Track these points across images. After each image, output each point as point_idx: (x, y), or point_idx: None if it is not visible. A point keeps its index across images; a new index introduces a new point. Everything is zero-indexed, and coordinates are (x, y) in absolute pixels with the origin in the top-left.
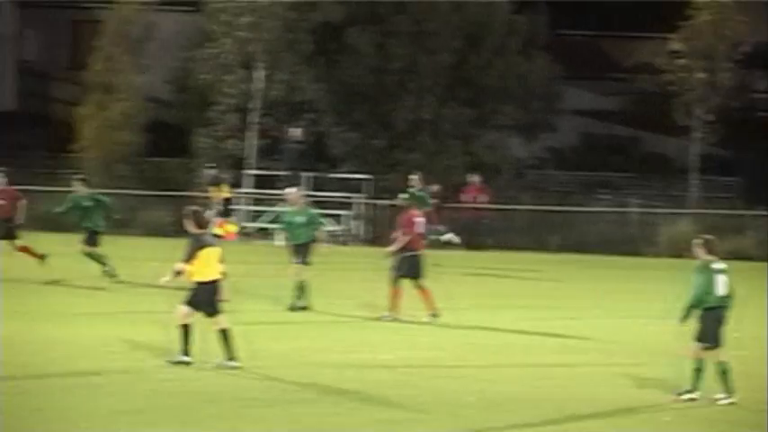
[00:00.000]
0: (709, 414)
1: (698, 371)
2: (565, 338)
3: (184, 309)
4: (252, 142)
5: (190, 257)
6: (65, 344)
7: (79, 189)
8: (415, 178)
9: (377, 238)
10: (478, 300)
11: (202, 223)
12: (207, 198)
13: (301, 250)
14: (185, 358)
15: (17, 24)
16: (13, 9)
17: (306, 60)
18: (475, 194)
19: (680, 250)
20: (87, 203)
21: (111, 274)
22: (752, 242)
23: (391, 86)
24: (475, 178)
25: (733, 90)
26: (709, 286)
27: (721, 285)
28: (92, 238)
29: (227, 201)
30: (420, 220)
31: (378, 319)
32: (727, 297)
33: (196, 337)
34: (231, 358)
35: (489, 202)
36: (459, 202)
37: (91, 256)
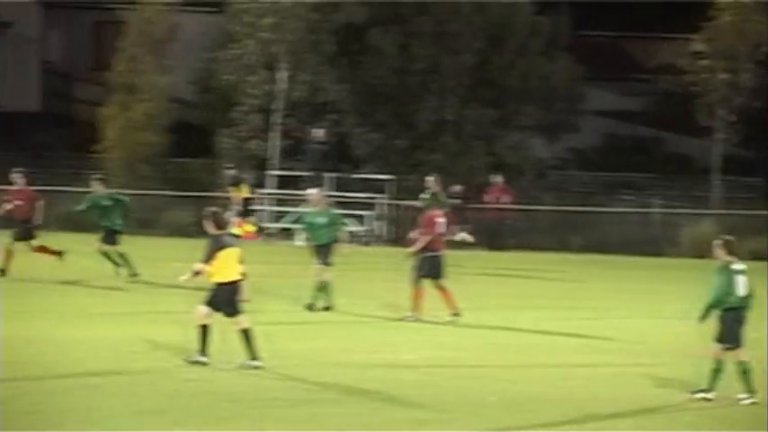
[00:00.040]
0: (730, 414)
1: (716, 371)
2: (587, 339)
3: (204, 309)
4: (275, 143)
5: (209, 258)
6: (87, 344)
7: (97, 188)
8: (431, 180)
9: (399, 238)
10: (501, 300)
11: (222, 224)
12: (228, 198)
13: (323, 251)
14: (202, 358)
15: (41, 25)
16: (37, 10)
17: (329, 61)
18: (498, 195)
19: (702, 251)
20: (106, 203)
21: (132, 273)
22: None
23: (414, 87)
24: (497, 179)
25: (755, 90)
26: (729, 287)
27: (741, 286)
28: (109, 237)
29: (247, 201)
30: (441, 220)
31: (400, 319)
32: (748, 297)
33: (218, 337)
34: (254, 358)
35: (512, 203)
36: (481, 202)
37: (106, 255)
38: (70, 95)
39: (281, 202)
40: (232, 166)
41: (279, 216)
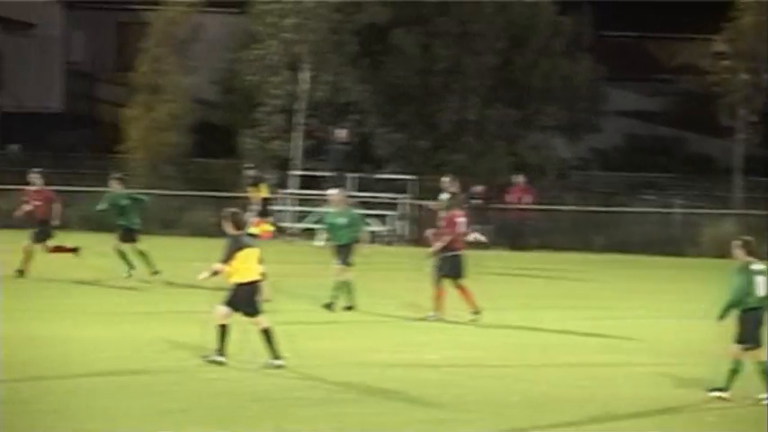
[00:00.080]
0: (752, 414)
1: (734, 371)
2: (608, 338)
3: (223, 309)
4: (297, 143)
5: (228, 258)
6: (110, 343)
7: (116, 188)
8: (446, 180)
9: (422, 238)
10: (523, 300)
11: (240, 224)
12: (249, 198)
13: (343, 251)
14: (220, 358)
15: (64, 26)
16: (60, 11)
17: (351, 61)
18: (519, 195)
19: (723, 251)
20: (124, 202)
21: (153, 271)
22: None
23: (436, 87)
24: (519, 179)
25: None
26: (748, 287)
27: (761, 286)
28: (126, 236)
29: (266, 201)
30: (462, 220)
31: (423, 319)
32: (767, 298)
33: (240, 337)
34: (276, 357)
35: (534, 203)
36: (503, 202)
37: (122, 254)
38: (93, 96)
39: (303, 203)
40: (252, 166)
41: (301, 216)
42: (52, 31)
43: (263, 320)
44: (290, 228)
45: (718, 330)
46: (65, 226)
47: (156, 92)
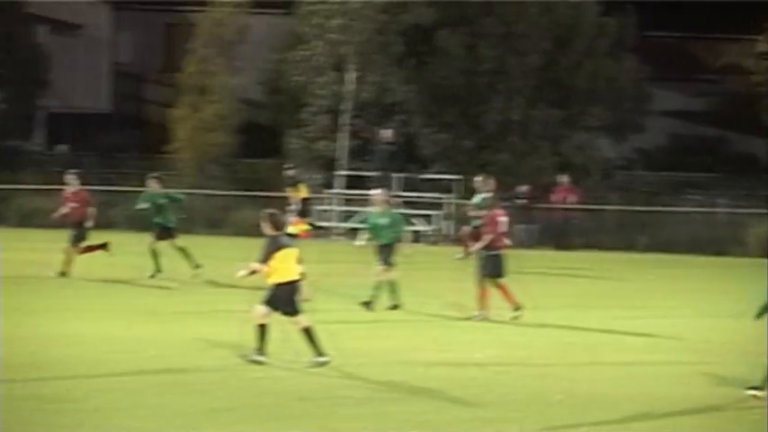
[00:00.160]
0: None
1: None
2: (653, 338)
3: (262, 308)
4: (343, 143)
5: (266, 258)
6: (153, 342)
7: (153, 186)
8: (479, 180)
9: (457, 237)
10: (567, 299)
11: (279, 225)
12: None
13: (384, 251)
14: (260, 357)
15: (112, 27)
16: (108, 12)
17: (396, 62)
18: (564, 195)
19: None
20: (161, 201)
21: (195, 265)
22: None
23: (481, 88)
24: (564, 179)
25: None
26: None
27: None
28: (162, 234)
29: (306, 201)
30: (503, 219)
31: (467, 318)
32: None
33: (284, 336)
34: (320, 354)
35: (578, 203)
36: (548, 202)
37: (154, 254)
38: (140, 97)
39: (348, 203)
40: (291, 166)
41: (347, 216)
42: (100, 32)
43: (302, 320)
44: (336, 227)
45: (763, 330)
46: (111, 225)
47: (203, 92)
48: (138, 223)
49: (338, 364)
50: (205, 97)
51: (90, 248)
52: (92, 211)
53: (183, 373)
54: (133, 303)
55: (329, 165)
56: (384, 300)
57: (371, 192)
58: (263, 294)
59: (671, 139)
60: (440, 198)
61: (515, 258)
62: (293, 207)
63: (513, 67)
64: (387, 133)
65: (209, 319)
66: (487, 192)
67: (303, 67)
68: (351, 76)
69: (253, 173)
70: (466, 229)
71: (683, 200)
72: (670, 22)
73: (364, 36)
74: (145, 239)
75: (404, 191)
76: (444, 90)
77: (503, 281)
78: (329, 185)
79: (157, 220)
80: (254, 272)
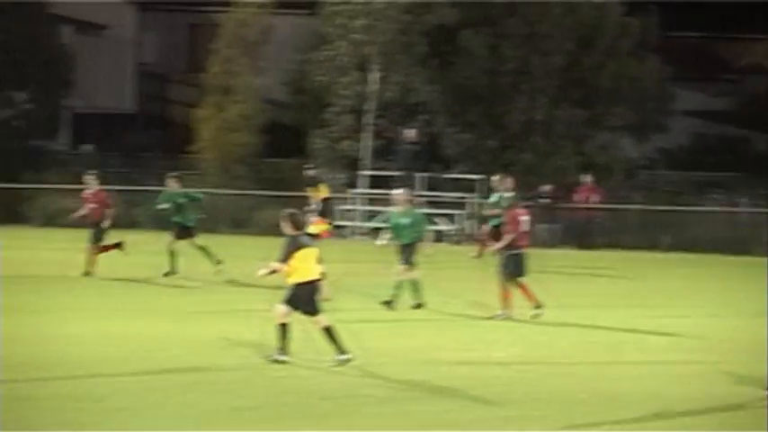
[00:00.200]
0: None
1: None
2: (676, 337)
3: (283, 308)
4: (367, 143)
5: (286, 258)
6: (176, 341)
7: (172, 186)
8: (496, 179)
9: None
10: (590, 299)
11: (299, 225)
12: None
13: (406, 250)
14: (283, 357)
15: (136, 28)
16: (132, 13)
17: (420, 62)
18: (587, 194)
19: None
20: (180, 200)
21: (216, 261)
22: None
23: (504, 88)
24: (587, 178)
25: None
26: None
27: None
28: (181, 233)
29: (326, 201)
30: (525, 218)
31: (490, 317)
32: None
33: (305, 335)
34: (342, 351)
35: (601, 202)
36: (571, 202)
37: (172, 253)
38: (165, 97)
39: (372, 202)
40: (311, 166)
41: (371, 216)
42: (124, 32)
43: (322, 319)
44: (359, 227)
45: None
46: (135, 225)
47: (227, 92)
48: (163, 223)
49: (361, 363)
50: (229, 97)
51: (105, 248)
52: (110, 211)
53: (206, 372)
54: (155, 302)
55: (353, 164)
56: (406, 299)
57: (393, 192)
58: (283, 294)
59: (693, 139)
60: (463, 198)
61: (538, 258)
62: (313, 207)
63: (537, 68)
64: (410, 133)
65: (230, 318)
66: (504, 190)
67: (327, 68)
68: (374, 76)
69: (276, 173)
70: (485, 227)
71: (705, 199)
72: (693, 22)
73: (388, 36)
74: (165, 239)
75: (427, 190)
76: (468, 90)
77: (523, 280)
78: (353, 185)
79: (177, 219)
80: (273, 271)
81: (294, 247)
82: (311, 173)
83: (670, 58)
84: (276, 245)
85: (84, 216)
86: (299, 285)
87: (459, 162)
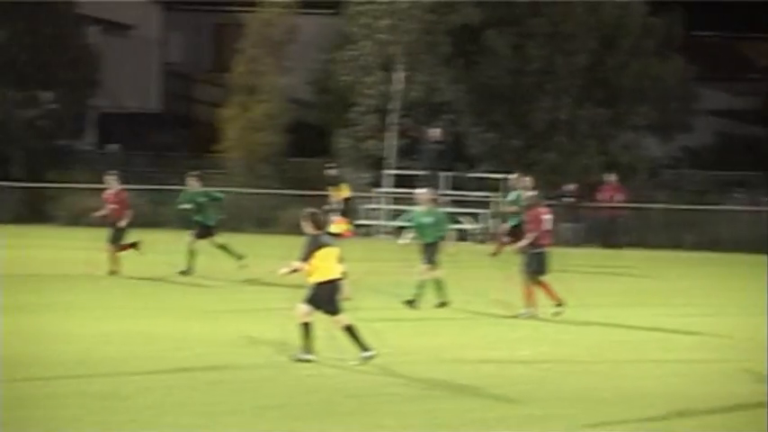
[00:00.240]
0: None
1: None
2: (699, 335)
3: (304, 307)
4: (391, 142)
5: (307, 257)
6: (202, 339)
7: (193, 185)
8: (514, 177)
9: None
10: (615, 297)
11: (320, 224)
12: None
13: (429, 250)
14: (308, 356)
15: (162, 28)
16: (158, 13)
17: (444, 62)
18: (611, 194)
19: None
20: (201, 199)
21: (238, 256)
22: None
23: (528, 87)
24: (611, 178)
25: None
26: None
27: None
28: (201, 233)
29: (347, 200)
30: (547, 217)
31: (515, 316)
32: None
33: (327, 334)
34: (365, 349)
35: (625, 202)
36: (595, 201)
37: (191, 252)
38: (190, 96)
39: (397, 201)
40: (332, 165)
41: (395, 215)
42: (150, 32)
43: (343, 318)
44: (384, 226)
45: None
46: (160, 224)
47: (253, 92)
48: (187, 222)
49: (386, 361)
50: (254, 97)
51: (122, 247)
52: (129, 212)
53: (231, 370)
54: (179, 301)
55: (377, 164)
56: (429, 298)
57: (416, 191)
58: (304, 293)
59: (717, 138)
60: (487, 197)
61: (562, 256)
62: (334, 206)
63: (561, 67)
64: (435, 132)
65: (252, 317)
66: (523, 188)
67: (351, 67)
68: (399, 75)
69: (301, 172)
70: (504, 226)
71: (729, 198)
72: (717, 21)
73: (412, 36)
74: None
75: (451, 189)
76: (492, 90)
77: (545, 278)
78: (377, 184)
79: (197, 218)
80: (295, 270)
81: (315, 246)
82: (333, 172)
83: (694, 57)
84: (300, 244)
85: (104, 216)
86: (319, 285)
87: (483, 161)
